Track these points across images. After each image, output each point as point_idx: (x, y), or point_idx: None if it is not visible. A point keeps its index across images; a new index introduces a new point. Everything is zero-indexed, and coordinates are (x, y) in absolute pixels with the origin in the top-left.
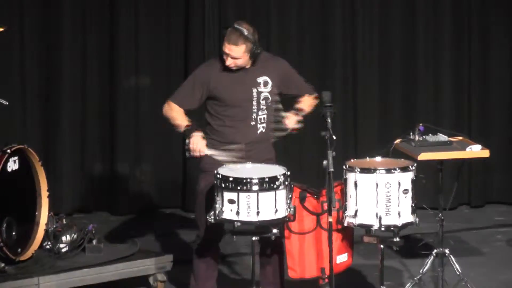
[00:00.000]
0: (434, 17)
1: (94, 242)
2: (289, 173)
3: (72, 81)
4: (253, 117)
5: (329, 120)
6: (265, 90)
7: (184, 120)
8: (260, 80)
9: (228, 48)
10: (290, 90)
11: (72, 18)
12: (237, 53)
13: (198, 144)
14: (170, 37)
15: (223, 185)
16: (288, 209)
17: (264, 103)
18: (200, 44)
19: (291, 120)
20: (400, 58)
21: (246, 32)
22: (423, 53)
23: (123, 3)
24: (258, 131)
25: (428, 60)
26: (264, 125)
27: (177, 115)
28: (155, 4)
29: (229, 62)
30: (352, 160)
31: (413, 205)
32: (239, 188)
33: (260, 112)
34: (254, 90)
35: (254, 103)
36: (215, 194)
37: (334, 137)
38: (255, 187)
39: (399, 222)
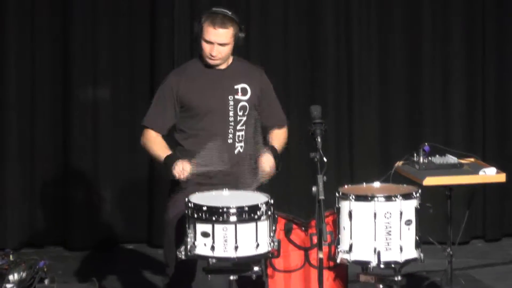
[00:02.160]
0: (443, 21)
1: (46, 281)
2: (272, 201)
3: (19, 95)
4: (229, 132)
5: (319, 140)
6: (243, 99)
7: (163, 149)
8: (238, 86)
9: (215, 34)
10: (261, 113)
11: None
12: (226, 38)
13: (183, 167)
14: (133, 43)
15: (195, 216)
16: (272, 243)
17: (241, 113)
18: (168, 51)
19: (267, 162)
20: (403, 67)
21: (230, 13)
22: (429, 61)
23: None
24: (236, 151)
25: (435, 69)
26: (242, 144)
27: (154, 145)
28: (116, 7)
29: (215, 52)
30: (346, 186)
31: (418, 238)
32: (214, 219)
33: (238, 127)
34: (231, 97)
35: (231, 113)
36: (186, 226)
37: (325, 159)
38: (233, 218)
39: (401, 258)
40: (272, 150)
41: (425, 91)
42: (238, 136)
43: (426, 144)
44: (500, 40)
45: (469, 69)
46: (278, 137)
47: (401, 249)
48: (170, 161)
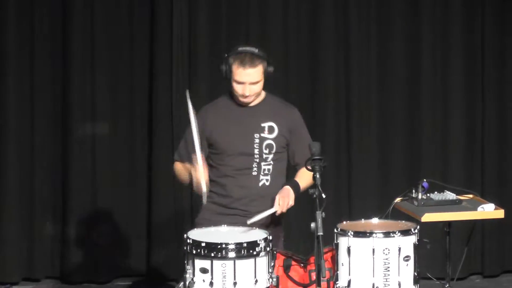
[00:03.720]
0: (442, 54)
1: None
2: (271, 237)
3: (17, 127)
4: (254, 166)
5: (318, 176)
6: (269, 137)
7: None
8: (265, 125)
9: (246, 74)
10: (291, 153)
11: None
12: (257, 76)
13: (195, 180)
14: (132, 77)
15: (194, 252)
16: (270, 279)
17: (267, 151)
18: (167, 81)
19: (283, 194)
20: (402, 102)
21: (256, 50)
22: (428, 96)
23: (76, 35)
24: (260, 183)
25: (434, 104)
26: (268, 177)
27: (183, 172)
28: (114, 37)
29: (247, 91)
30: (344, 222)
31: (416, 274)
32: (212, 255)
33: (263, 163)
34: (256, 135)
35: (256, 151)
36: (185, 262)
37: (323, 196)
38: (232, 254)
39: None
40: (293, 184)
41: (424, 127)
42: (264, 169)
43: (424, 180)
44: (499, 74)
45: (469, 104)
46: (305, 176)
47: (399, 285)
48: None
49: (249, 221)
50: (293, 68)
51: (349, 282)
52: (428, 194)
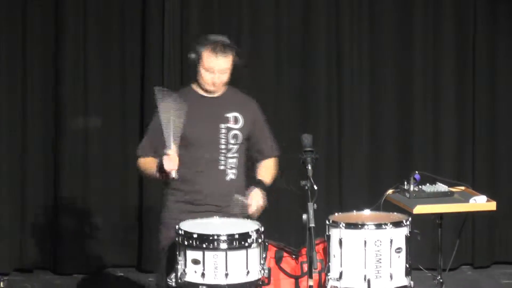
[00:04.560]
0: (434, 52)
1: None
2: (263, 229)
3: (10, 124)
4: (221, 159)
5: (309, 168)
6: (235, 127)
7: (155, 165)
8: (230, 115)
9: (217, 62)
10: (253, 145)
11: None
12: (226, 65)
13: (168, 160)
14: (124, 70)
15: (186, 243)
16: (262, 271)
17: (233, 141)
18: (158, 77)
19: (255, 198)
20: (394, 96)
21: (228, 40)
22: (420, 90)
23: (68, 30)
24: (227, 178)
25: (426, 98)
26: (234, 171)
27: (148, 167)
28: (106, 32)
29: (216, 79)
30: (336, 214)
31: (408, 266)
32: (204, 246)
33: (229, 154)
34: (222, 126)
35: (223, 141)
36: (177, 253)
37: (315, 187)
38: (223, 245)
39: (391, 286)
40: (261, 184)
41: (415, 120)
42: (230, 163)
43: (416, 172)
44: (491, 69)
45: (460, 98)
46: (269, 169)
47: (391, 277)
48: (160, 165)
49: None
50: (285, 62)
51: (340, 273)
52: (420, 186)
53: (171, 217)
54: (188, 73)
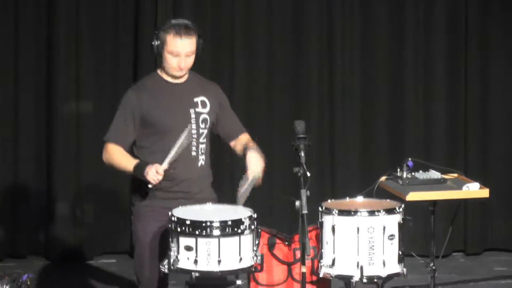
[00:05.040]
0: (425, 37)
1: None
2: (255, 215)
3: (2, 107)
4: (193, 144)
5: (302, 154)
6: (203, 111)
7: (129, 160)
8: (197, 99)
9: (181, 45)
10: (223, 127)
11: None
12: (192, 47)
13: (155, 171)
14: (117, 56)
15: (178, 230)
16: (255, 258)
17: (203, 126)
18: (152, 63)
19: (255, 161)
20: (385, 83)
21: (190, 22)
22: (411, 77)
23: (61, 18)
24: (199, 164)
25: (417, 85)
26: (204, 157)
27: (119, 157)
28: (99, 20)
29: (183, 63)
30: (329, 201)
31: (400, 253)
32: (197, 232)
33: (200, 139)
34: (192, 111)
35: (194, 126)
36: (170, 239)
37: (308, 174)
38: (216, 232)
39: (383, 272)
40: (251, 148)
41: (407, 107)
42: (201, 148)
43: (409, 159)
44: (483, 57)
45: (452, 85)
46: (247, 139)
47: (384, 263)
48: (140, 168)
49: (240, 200)
50: (277, 50)
51: (333, 260)
52: (413, 173)
53: (144, 204)
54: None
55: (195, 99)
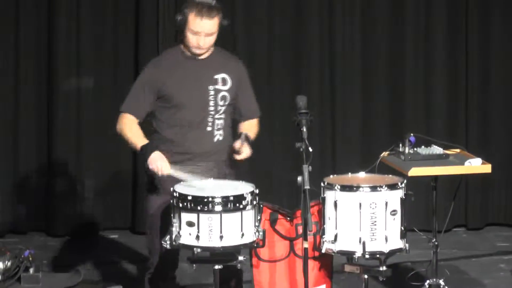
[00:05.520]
0: (426, 14)
1: (31, 270)
2: (257, 191)
3: (2, 85)
4: (209, 120)
5: (304, 130)
6: (223, 89)
7: (140, 138)
8: (218, 76)
9: (201, 25)
10: (237, 105)
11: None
12: (213, 27)
13: (160, 164)
14: (117, 30)
15: (180, 205)
16: (257, 233)
17: (222, 103)
18: (153, 36)
19: (242, 147)
20: (386, 59)
21: (214, 2)
22: (411, 53)
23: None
24: (215, 139)
25: (418, 61)
26: (221, 132)
27: (131, 131)
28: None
29: (202, 42)
30: (331, 176)
31: (403, 228)
32: (199, 208)
33: (217, 116)
34: (211, 88)
35: (211, 103)
36: (171, 215)
37: (310, 149)
38: (218, 208)
39: (386, 248)
40: (245, 136)
41: (407, 82)
42: (217, 124)
43: (412, 134)
44: (482, 32)
45: (452, 61)
46: (252, 127)
47: (386, 239)
48: (146, 150)
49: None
50: (277, 24)
51: (335, 236)
52: (415, 149)
53: (157, 178)
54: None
55: (216, 76)
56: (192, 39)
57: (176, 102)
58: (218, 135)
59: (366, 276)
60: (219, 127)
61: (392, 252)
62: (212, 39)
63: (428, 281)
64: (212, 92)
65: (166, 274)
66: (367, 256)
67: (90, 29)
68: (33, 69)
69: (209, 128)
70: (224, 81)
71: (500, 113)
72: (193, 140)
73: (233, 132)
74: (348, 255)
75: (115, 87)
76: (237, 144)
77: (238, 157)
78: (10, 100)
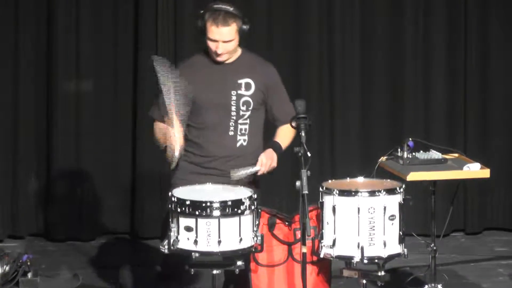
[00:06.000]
0: (425, 15)
1: (29, 275)
2: (256, 195)
3: (2, 88)
4: (231, 125)
5: (303, 134)
6: (246, 94)
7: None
8: (242, 81)
9: (218, 32)
10: (269, 110)
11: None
12: (229, 35)
13: (172, 149)
14: (116, 34)
15: (178, 210)
16: (255, 238)
17: (244, 108)
18: (151, 41)
19: (267, 158)
20: (385, 62)
21: (231, 8)
22: (411, 56)
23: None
24: (238, 144)
25: (417, 65)
26: (246, 137)
27: (161, 130)
28: None
29: (220, 49)
30: (330, 181)
31: (401, 233)
32: (197, 213)
33: (240, 121)
34: (233, 92)
35: (233, 108)
36: (170, 220)
37: (309, 154)
38: (216, 212)
39: (384, 253)
40: (275, 145)
41: (406, 87)
42: (241, 129)
43: (410, 139)
44: (482, 35)
45: (451, 64)
46: (286, 133)
47: (384, 244)
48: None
49: (233, 174)
50: (277, 29)
51: (334, 241)
52: (413, 153)
53: (178, 177)
54: (181, 35)
55: (239, 81)
56: (211, 45)
57: (198, 106)
58: (242, 140)
59: (364, 281)
60: (243, 132)
61: (391, 257)
62: (230, 45)
63: (426, 286)
64: (234, 97)
65: (175, 273)
66: (365, 261)
67: (89, 33)
68: (32, 73)
69: (231, 133)
70: (247, 86)
71: (499, 118)
72: (214, 143)
73: (267, 136)
74: (347, 260)
75: (114, 91)
76: (259, 159)
77: (260, 171)
78: (9, 104)
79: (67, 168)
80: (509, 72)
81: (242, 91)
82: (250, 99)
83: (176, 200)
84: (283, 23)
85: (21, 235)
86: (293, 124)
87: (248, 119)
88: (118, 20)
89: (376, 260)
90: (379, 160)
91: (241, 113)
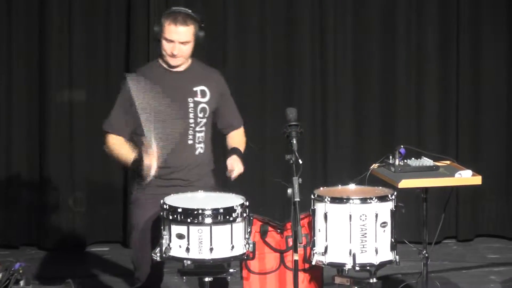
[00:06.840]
0: (417, 24)
1: (22, 283)
2: (247, 203)
3: None
4: (189, 133)
5: (294, 142)
6: (202, 101)
7: (129, 153)
8: (197, 89)
9: (176, 32)
10: (220, 117)
11: None
12: (187, 36)
13: (151, 162)
14: (109, 45)
15: (170, 217)
16: (247, 245)
17: (201, 115)
18: (144, 50)
19: (235, 165)
20: (377, 70)
21: (190, 11)
22: (403, 64)
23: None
24: (196, 152)
25: (409, 72)
26: (202, 145)
27: (118, 150)
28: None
29: (176, 50)
30: (321, 188)
31: (393, 240)
32: (189, 220)
33: (197, 128)
34: (190, 100)
35: (191, 115)
36: (162, 227)
37: (300, 161)
38: (208, 220)
39: (376, 260)
40: (237, 151)
41: (398, 95)
42: (198, 137)
43: (402, 146)
44: (473, 43)
45: (443, 72)
46: (239, 138)
47: (376, 251)
48: (137, 164)
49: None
50: (269, 34)
51: (326, 248)
52: (405, 160)
53: (144, 194)
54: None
55: (195, 88)
56: (166, 46)
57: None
58: (200, 148)
59: None
60: (200, 140)
61: (382, 264)
62: (187, 48)
63: None
64: (191, 105)
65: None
66: (357, 268)
67: (81, 41)
68: (25, 83)
69: (190, 142)
70: (203, 93)
71: (490, 125)
72: (174, 153)
73: (215, 144)
74: (338, 267)
75: (107, 100)
76: (229, 165)
77: (231, 176)
78: (2, 112)
79: (59, 177)
80: (501, 81)
81: (199, 98)
82: (206, 106)
83: (167, 207)
84: (275, 25)
85: (14, 245)
86: (285, 131)
87: (204, 127)
88: (110, 33)
89: (368, 267)
90: (371, 167)
91: (198, 120)
